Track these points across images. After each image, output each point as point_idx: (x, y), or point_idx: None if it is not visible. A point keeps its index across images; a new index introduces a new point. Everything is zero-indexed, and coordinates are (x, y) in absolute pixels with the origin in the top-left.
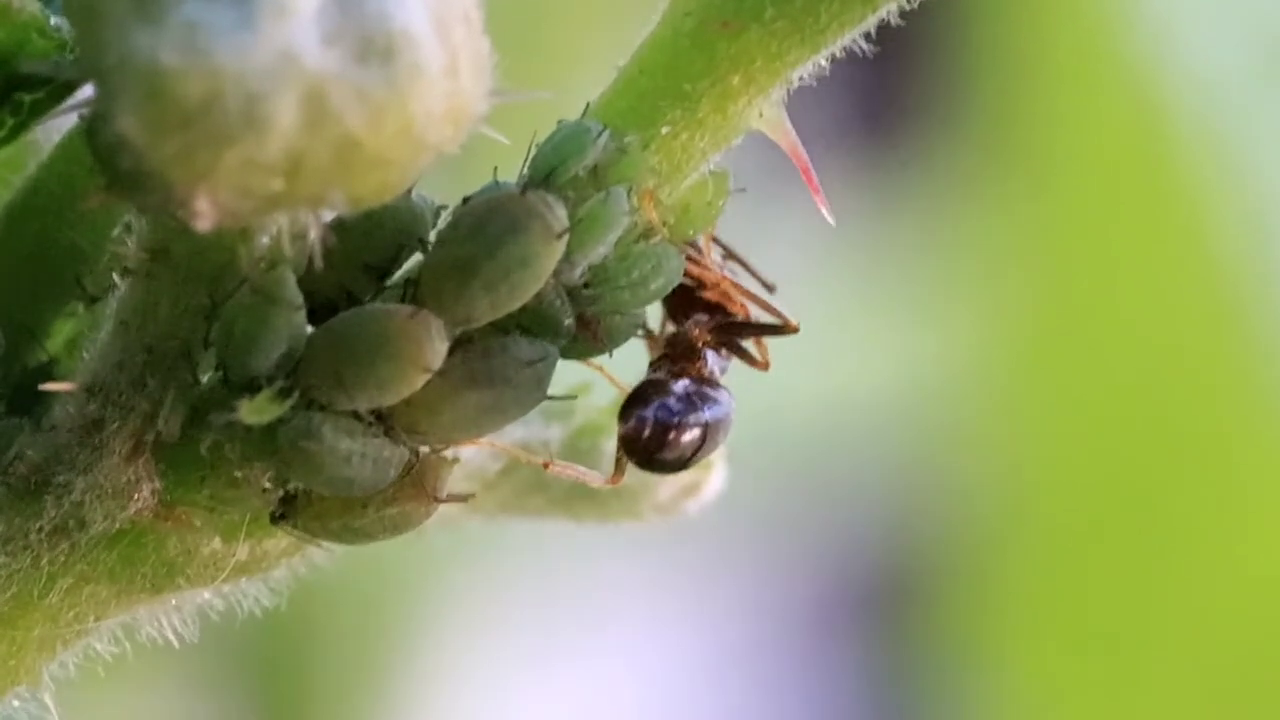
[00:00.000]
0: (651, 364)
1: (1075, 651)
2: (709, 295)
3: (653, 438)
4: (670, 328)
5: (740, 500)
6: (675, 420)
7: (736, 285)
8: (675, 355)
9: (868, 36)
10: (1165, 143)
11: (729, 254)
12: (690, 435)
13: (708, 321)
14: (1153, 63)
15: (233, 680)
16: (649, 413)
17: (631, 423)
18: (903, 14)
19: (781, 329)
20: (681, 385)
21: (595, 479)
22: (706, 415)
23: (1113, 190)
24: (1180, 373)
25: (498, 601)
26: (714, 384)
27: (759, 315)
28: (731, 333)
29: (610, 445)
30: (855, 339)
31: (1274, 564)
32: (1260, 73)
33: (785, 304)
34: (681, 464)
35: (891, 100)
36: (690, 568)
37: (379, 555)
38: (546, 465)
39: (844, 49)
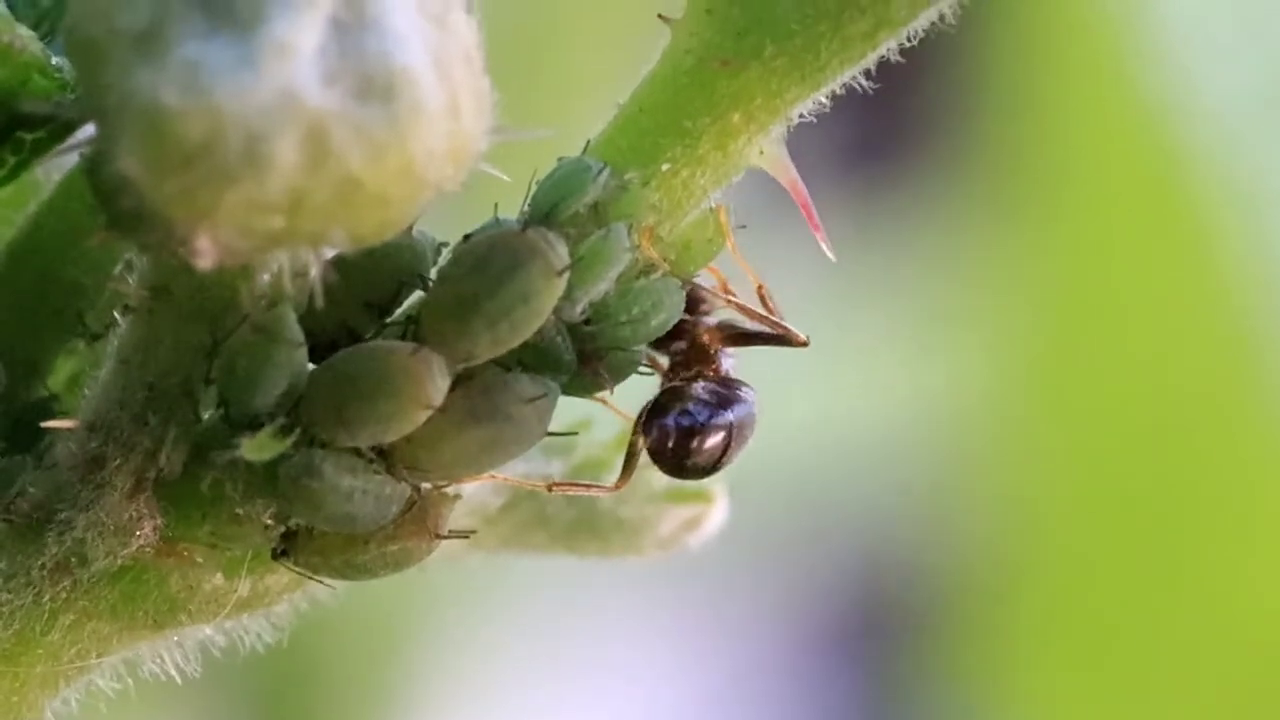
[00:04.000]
0: (665, 375)
1: (1082, 681)
2: (709, 330)
3: (679, 445)
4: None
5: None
6: (699, 424)
7: (744, 306)
8: (688, 361)
9: (867, 74)
10: (1173, 171)
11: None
12: (716, 437)
13: (716, 324)
14: (1161, 92)
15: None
16: (670, 420)
17: (655, 434)
18: (907, 44)
19: (790, 341)
20: (700, 388)
21: (602, 489)
22: (730, 415)
23: (1119, 219)
24: (1190, 400)
25: (498, 637)
26: (733, 382)
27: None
28: (740, 342)
29: (612, 481)
30: (860, 369)
31: None
32: (1270, 102)
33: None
34: (714, 467)
35: (896, 129)
36: (692, 598)
37: (380, 591)
38: (550, 488)
39: (844, 85)
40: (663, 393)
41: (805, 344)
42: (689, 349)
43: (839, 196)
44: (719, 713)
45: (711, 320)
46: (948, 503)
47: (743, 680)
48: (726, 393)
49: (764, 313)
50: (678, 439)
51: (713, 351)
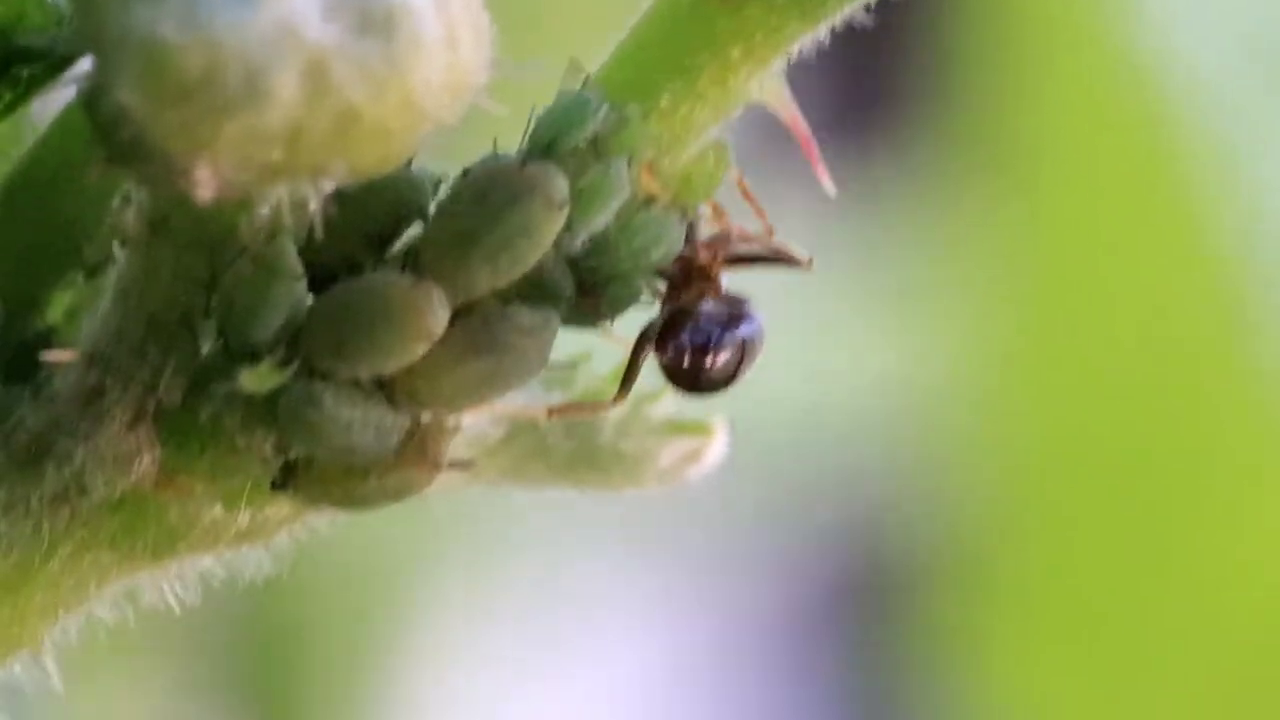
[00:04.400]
0: (668, 295)
1: (1064, 651)
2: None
3: (694, 362)
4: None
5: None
6: (711, 341)
7: (744, 231)
8: (691, 281)
9: (866, 8)
10: (1159, 138)
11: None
12: (729, 352)
13: (716, 244)
14: (1147, 57)
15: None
16: (685, 338)
17: (670, 352)
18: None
19: (792, 261)
20: (708, 307)
21: (600, 406)
22: (741, 332)
23: (1105, 187)
24: (1174, 369)
25: (484, 601)
26: (739, 300)
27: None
28: (741, 263)
29: (612, 413)
30: (842, 337)
31: (1270, 559)
32: (1256, 67)
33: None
34: (728, 382)
35: (876, 96)
36: (676, 566)
37: (369, 550)
38: (549, 414)
39: (840, 24)
40: (673, 311)
41: (808, 265)
42: (691, 269)
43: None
44: (704, 677)
45: (712, 242)
46: (930, 472)
47: (727, 646)
48: (735, 309)
49: (764, 235)
50: (693, 356)
51: (714, 273)
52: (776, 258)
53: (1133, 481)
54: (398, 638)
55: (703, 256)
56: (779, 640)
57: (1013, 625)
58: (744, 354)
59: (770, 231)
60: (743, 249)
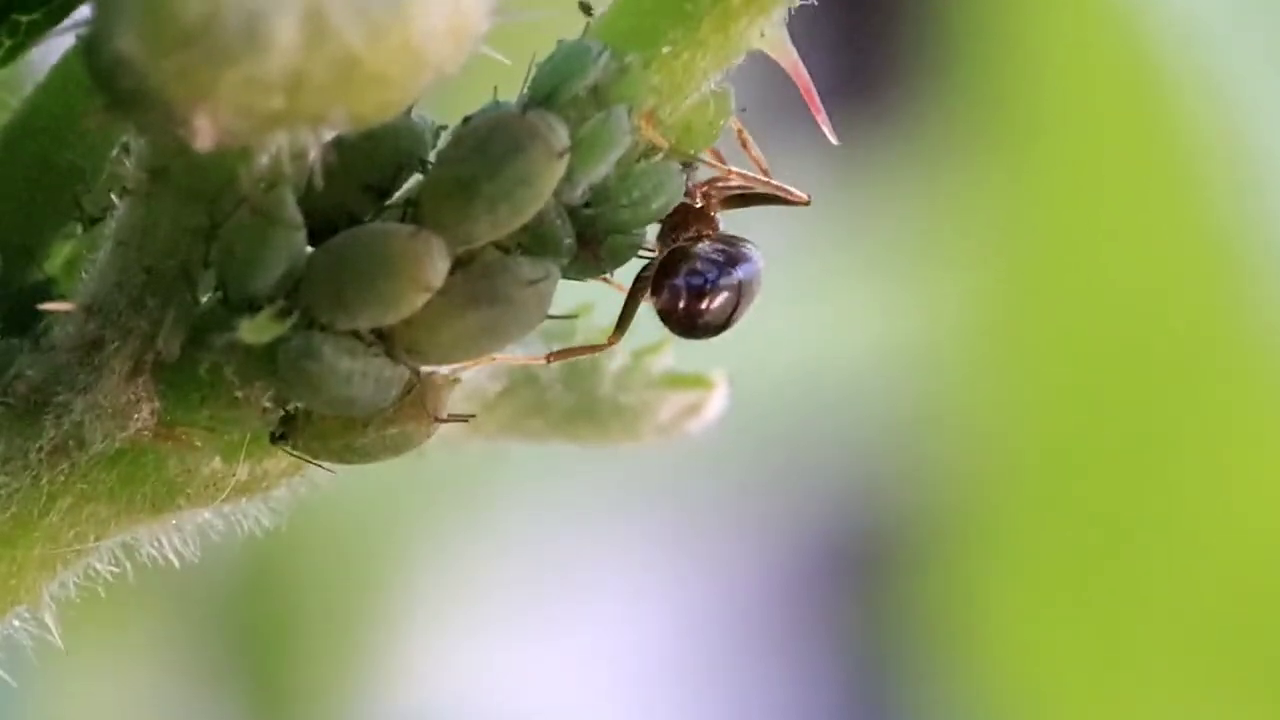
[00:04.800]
0: (666, 237)
1: (1059, 613)
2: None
3: (690, 304)
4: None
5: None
6: (707, 283)
7: (743, 173)
8: (688, 222)
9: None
10: (1156, 104)
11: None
12: (725, 295)
13: (712, 185)
14: (1145, 22)
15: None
16: (680, 280)
17: (665, 295)
18: None
19: (789, 200)
20: (705, 248)
21: (597, 349)
22: (738, 274)
23: (1101, 153)
24: (1167, 337)
25: (480, 564)
26: (736, 240)
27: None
28: (739, 203)
29: (612, 367)
30: (836, 304)
31: (1259, 530)
32: (1254, 34)
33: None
34: (724, 325)
35: (870, 62)
36: (674, 527)
37: (364, 504)
38: (548, 359)
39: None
40: (669, 253)
41: (806, 202)
42: (688, 211)
43: (812, 132)
44: (699, 641)
45: (709, 182)
46: (926, 437)
47: (722, 610)
48: (732, 251)
49: (761, 176)
50: (689, 298)
51: (711, 213)
52: (773, 197)
53: (1127, 446)
54: (392, 598)
55: (699, 197)
56: (774, 603)
57: (1008, 590)
58: (740, 296)
59: (767, 172)
60: (739, 188)
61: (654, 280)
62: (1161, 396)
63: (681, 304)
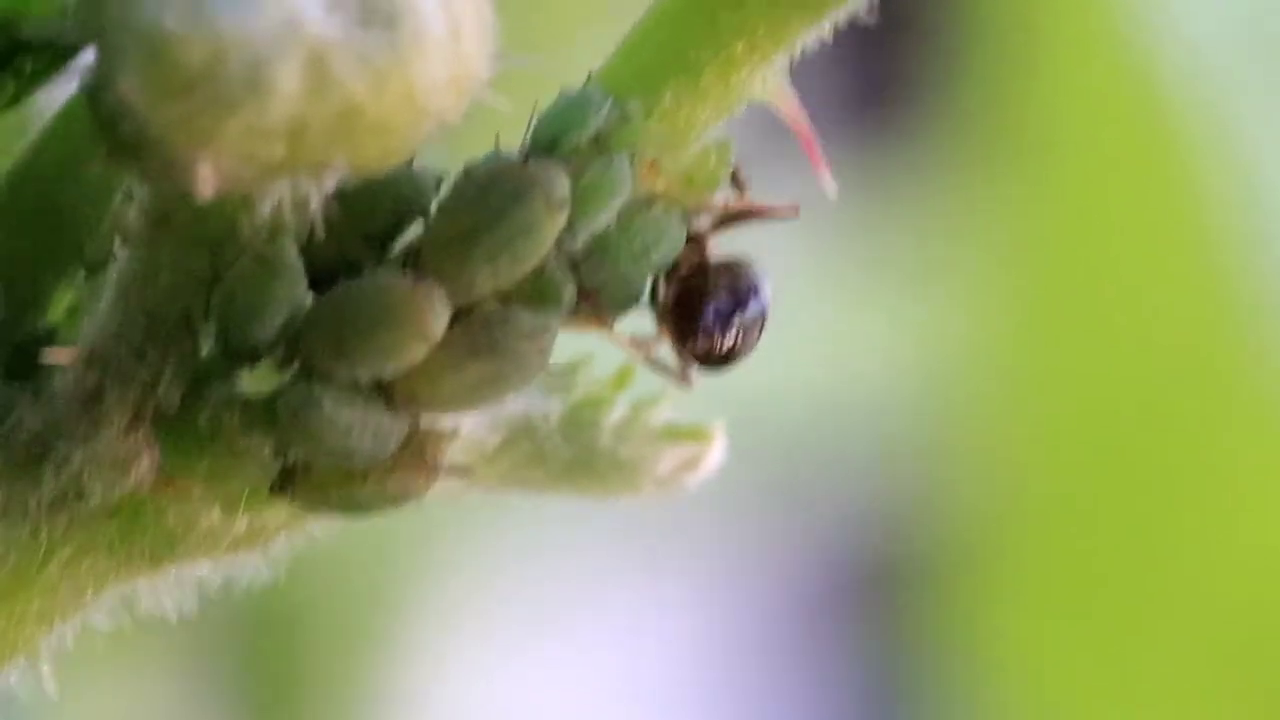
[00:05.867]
0: (671, 278)
1: (1071, 632)
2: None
3: (725, 342)
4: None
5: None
6: (735, 315)
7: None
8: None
9: (870, 3)
10: (1165, 126)
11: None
12: (754, 320)
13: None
14: (1153, 45)
15: (221, 660)
16: (708, 323)
17: (700, 342)
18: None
19: (781, 214)
20: (716, 279)
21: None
22: (756, 295)
23: (1111, 172)
24: (1179, 357)
25: (489, 582)
26: (736, 263)
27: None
28: (729, 222)
29: (611, 418)
30: (850, 323)
31: (1273, 557)
32: (1258, 49)
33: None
34: (749, 351)
35: (882, 82)
36: (682, 551)
37: (369, 536)
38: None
39: (844, 17)
40: (681, 293)
41: (794, 212)
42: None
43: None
44: (705, 663)
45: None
46: (937, 459)
47: (731, 632)
48: (739, 272)
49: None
50: (722, 336)
51: (704, 242)
52: (762, 213)
53: (1141, 469)
54: (394, 631)
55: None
56: (785, 627)
57: (1021, 615)
58: (763, 317)
59: (743, 188)
60: (726, 210)
61: (677, 329)
62: (1172, 421)
63: (718, 344)
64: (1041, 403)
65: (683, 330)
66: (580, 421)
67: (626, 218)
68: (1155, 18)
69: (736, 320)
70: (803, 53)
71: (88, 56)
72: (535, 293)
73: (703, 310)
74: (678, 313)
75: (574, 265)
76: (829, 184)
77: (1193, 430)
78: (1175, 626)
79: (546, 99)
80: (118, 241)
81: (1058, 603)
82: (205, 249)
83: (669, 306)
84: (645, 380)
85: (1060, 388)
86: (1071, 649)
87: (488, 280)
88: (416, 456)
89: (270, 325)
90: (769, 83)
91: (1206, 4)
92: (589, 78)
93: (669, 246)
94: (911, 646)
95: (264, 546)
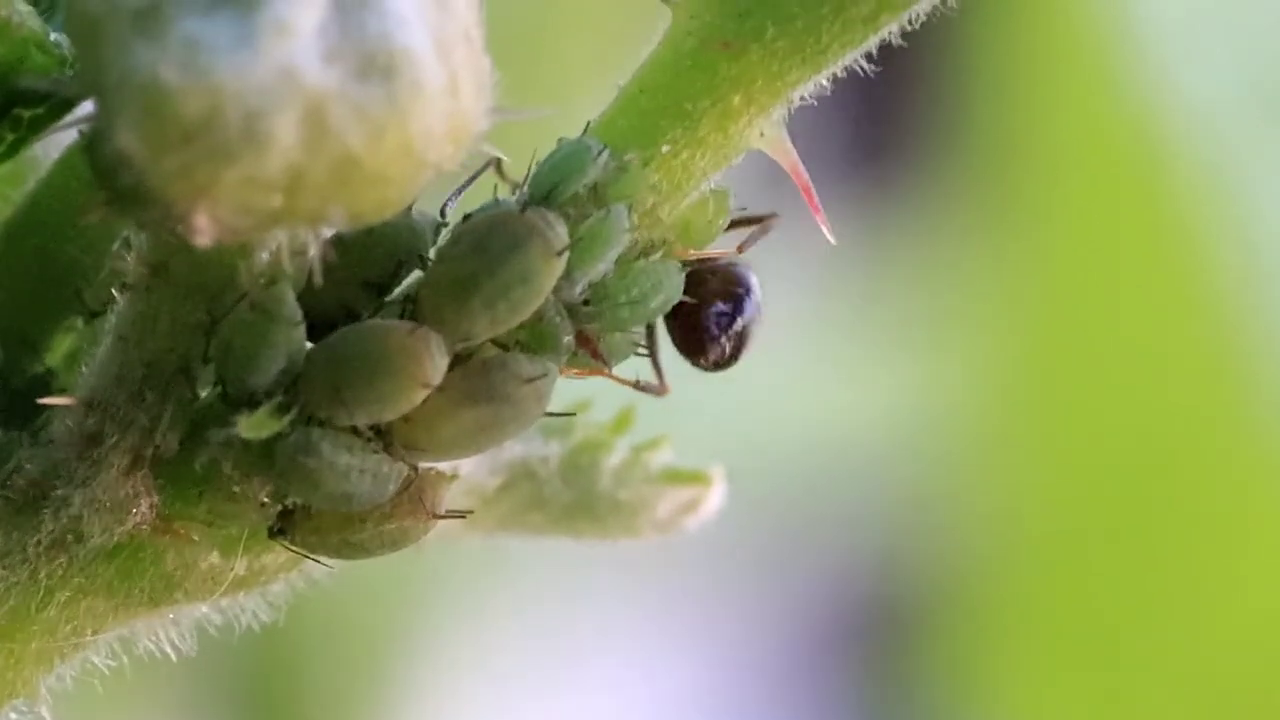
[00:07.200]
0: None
1: (1070, 682)
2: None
3: (729, 346)
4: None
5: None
6: (736, 318)
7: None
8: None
9: (868, 56)
10: (1163, 178)
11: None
12: (752, 325)
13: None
14: (1153, 102)
15: (221, 702)
16: (714, 332)
17: (714, 352)
18: (902, 40)
19: (761, 221)
20: (710, 290)
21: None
22: (749, 305)
23: (1109, 226)
24: (1174, 401)
25: (493, 624)
26: (730, 269)
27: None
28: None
29: (611, 462)
30: (849, 370)
31: (1272, 590)
32: (1259, 108)
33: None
34: (753, 345)
35: (884, 133)
36: (682, 598)
37: (372, 579)
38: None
39: (844, 70)
40: (688, 312)
41: (775, 218)
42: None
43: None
44: (703, 711)
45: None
46: (935, 505)
47: (729, 679)
48: (735, 283)
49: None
50: (729, 341)
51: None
52: (744, 223)
53: (1137, 512)
54: (394, 673)
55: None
56: (785, 673)
57: (1016, 661)
58: (758, 315)
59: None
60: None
61: (685, 342)
62: (1169, 471)
63: (727, 349)
64: (1039, 451)
65: (692, 347)
66: (580, 465)
67: (624, 265)
68: (1155, 77)
69: (738, 322)
70: (802, 105)
71: (86, 107)
72: (534, 339)
73: (704, 324)
74: (681, 334)
75: (572, 312)
76: (828, 232)
77: (1189, 481)
78: (1175, 674)
79: (545, 149)
80: (116, 289)
81: (1056, 650)
82: (203, 296)
83: (672, 330)
84: (645, 424)
85: (1057, 436)
86: (1070, 696)
87: (486, 327)
88: (415, 500)
89: (268, 371)
90: (767, 133)
91: (1207, 64)
92: (587, 128)
93: (667, 293)
94: (911, 691)
95: (263, 589)
